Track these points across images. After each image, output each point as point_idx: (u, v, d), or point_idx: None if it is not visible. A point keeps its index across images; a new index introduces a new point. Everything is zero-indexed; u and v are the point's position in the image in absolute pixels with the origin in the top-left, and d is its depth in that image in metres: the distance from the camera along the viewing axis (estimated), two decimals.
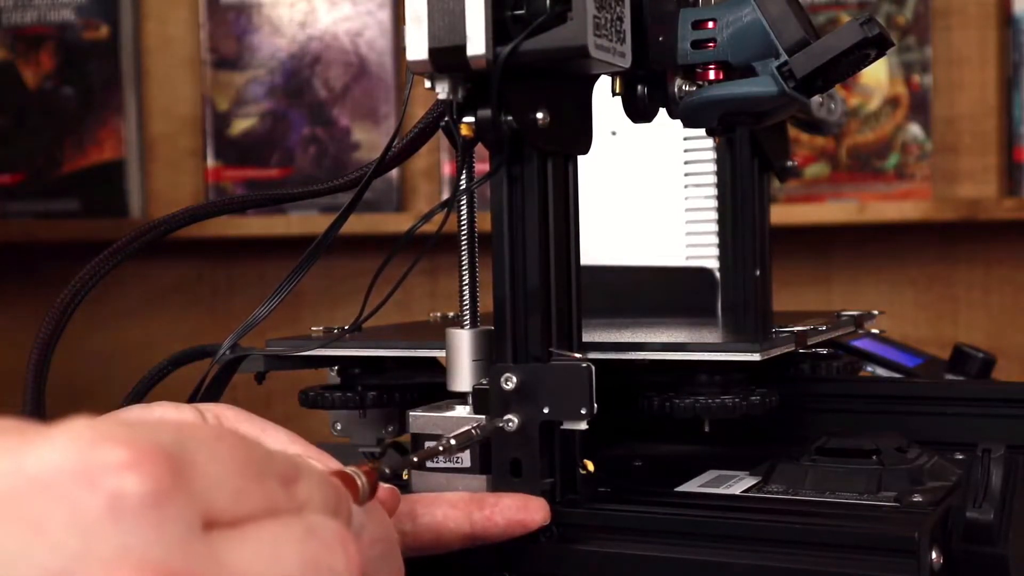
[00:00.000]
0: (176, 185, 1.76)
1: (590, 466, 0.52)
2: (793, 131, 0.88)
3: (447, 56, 0.47)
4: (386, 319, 0.64)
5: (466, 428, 0.47)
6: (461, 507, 0.48)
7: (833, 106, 0.82)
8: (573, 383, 0.49)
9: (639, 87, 0.55)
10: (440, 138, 0.53)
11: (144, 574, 0.25)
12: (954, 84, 1.57)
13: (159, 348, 0.84)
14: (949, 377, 0.93)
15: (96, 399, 1.40)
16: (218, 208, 0.63)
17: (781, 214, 1.39)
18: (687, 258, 0.79)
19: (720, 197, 0.78)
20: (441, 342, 0.54)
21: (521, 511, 0.48)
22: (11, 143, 1.77)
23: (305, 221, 1.64)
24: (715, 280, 0.79)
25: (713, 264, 0.79)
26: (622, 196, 0.81)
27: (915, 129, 1.56)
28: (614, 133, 0.79)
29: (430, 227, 0.52)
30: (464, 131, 0.49)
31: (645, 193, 0.80)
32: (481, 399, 0.51)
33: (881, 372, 0.91)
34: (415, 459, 0.44)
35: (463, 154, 0.50)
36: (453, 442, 0.45)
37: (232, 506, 0.29)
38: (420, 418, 0.53)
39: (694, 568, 0.48)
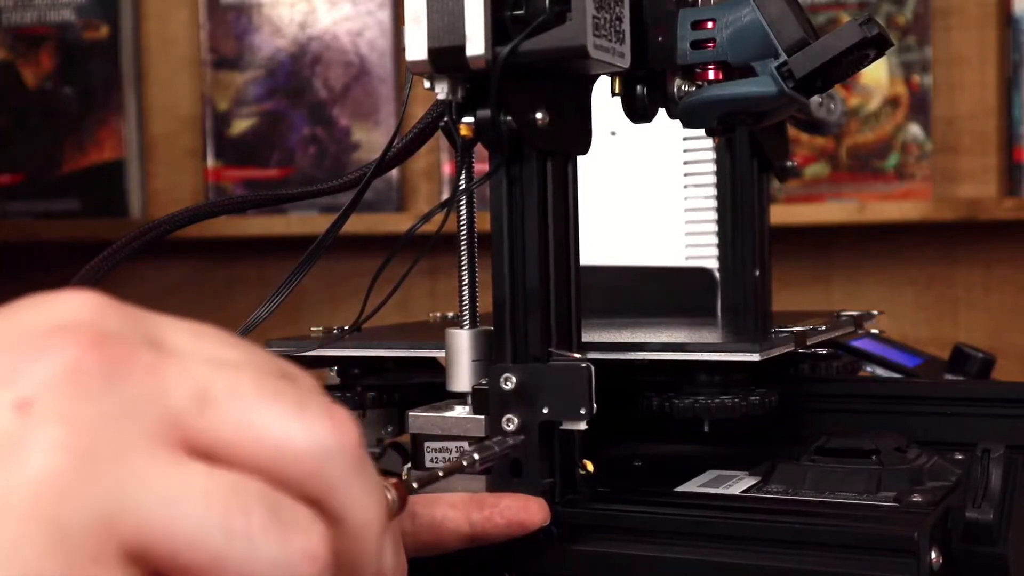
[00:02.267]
0: (176, 185, 1.76)
1: (590, 466, 0.52)
2: (793, 131, 0.87)
3: (446, 56, 0.47)
4: (386, 319, 0.64)
5: (487, 443, 0.47)
6: (461, 507, 0.48)
7: (833, 106, 0.82)
8: (573, 383, 0.49)
9: (638, 87, 0.55)
10: (440, 138, 0.53)
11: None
12: (954, 84, 1.57)
13: None
14: (949, 377, 0.93)
15: None
16: (218, 208, 0.63)
17: (781, 214, 1.39)
18: (687, 258, 0.79)
19: (720, 197, 0.78)
20: (441, 342, 0.54)
21: (521, 511, 0.48)
22: (11, 143, 1.77)
23: (305, 221, 1.64)
24: (715, 280, 0.79)
25: (713, 264, 0.79)
26: (622, 196, 0.80)
27: (915, 129, 1.56)
28: (614, 133, 0.79)
29: (430, 227, 0.52)
30: (463, 131, 0.49)
31: (644, 193, 0.80)
32: (480, 399, 0.51)
33: (881, 372, 0.91)
34: (441, 474, 0.43)
35: (463, 154, 0.50)
36: (476, 457, 0.45)
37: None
38: (419, 418, 0.53)
39: (694, 568, 0.48)
